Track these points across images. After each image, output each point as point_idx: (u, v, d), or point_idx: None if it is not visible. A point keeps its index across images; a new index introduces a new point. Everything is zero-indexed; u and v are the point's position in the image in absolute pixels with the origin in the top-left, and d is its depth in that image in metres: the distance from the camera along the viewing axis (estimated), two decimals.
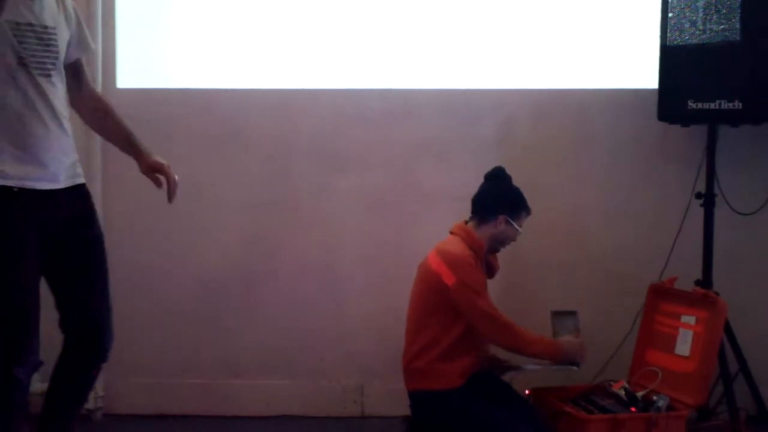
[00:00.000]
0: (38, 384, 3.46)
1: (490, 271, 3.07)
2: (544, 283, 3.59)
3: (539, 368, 3.01)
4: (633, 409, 2.97)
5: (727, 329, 3.23)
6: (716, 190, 3.34)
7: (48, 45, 2.28)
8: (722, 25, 3.14)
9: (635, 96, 3.53)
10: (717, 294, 3.19)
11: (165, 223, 3.55)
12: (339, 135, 3.59)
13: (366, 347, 3.58)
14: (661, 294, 3.33)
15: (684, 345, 3.18)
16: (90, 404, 3.44)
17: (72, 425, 2.49)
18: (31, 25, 2.24)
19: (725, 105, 3.16)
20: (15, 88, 2.20)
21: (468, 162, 3.56)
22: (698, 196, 3.35)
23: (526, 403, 2.99)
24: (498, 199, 2.97)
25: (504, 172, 3.02)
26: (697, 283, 3.30)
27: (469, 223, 2.99)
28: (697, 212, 3.36)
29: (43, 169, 2.26)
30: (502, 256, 3.10)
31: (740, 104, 3.13)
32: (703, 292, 3.18)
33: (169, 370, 3.57)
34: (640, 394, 3.02)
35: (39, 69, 2.25)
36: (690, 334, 3.18)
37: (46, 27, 2.29)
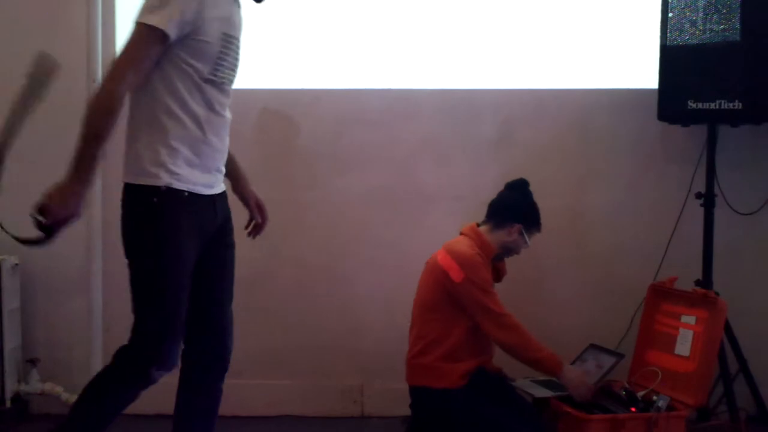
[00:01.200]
0: (38, 384, 3.48)
1: (497, 275, 3.08)
2: (544, 282, 3.59)
3: (544, 395, 3.03)
4: (633, 409, 2.97)
5: (727, 329, 3.23)
6: (716, 190, 3.34)
7: (237, 58, 2.37)
8: (722, 25, 3.14)
9: (635, 96, 3.53)
10: (717, 294, 3.20)
11: None
12: (339, 135, 3.59)
13: (366, 347, 3.58)
14: (661, 294, 3.33)
15: (684, 345, 3.18)
16: None
17: None
18: (235, 38, 2.34)
19: (725, 105, 3.16)
20: (202, 98, 2.24)
21: (468, 162, 3.57)
22: (698, 196, 3.35)
23: (527, 403, 2.99)
24: (518, 208, 3.00)
25: (528, 185, 3.05)
26: (697, 283, 3.30)
27: (482, 227, 3.00)
28: (697, 212, 3.36)
29: (209, 177, 2.30)
30: (511, 256, 3.10)
31: (740, 104, 3.13)
32: (703, 292, 3.18)
33: None
34: (640, 394, 3.02)
35: (227, 81, 2.32)
36: (690, 334, 3.18)
37: (239, 39, 2.37)
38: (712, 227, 3.33)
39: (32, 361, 3.46)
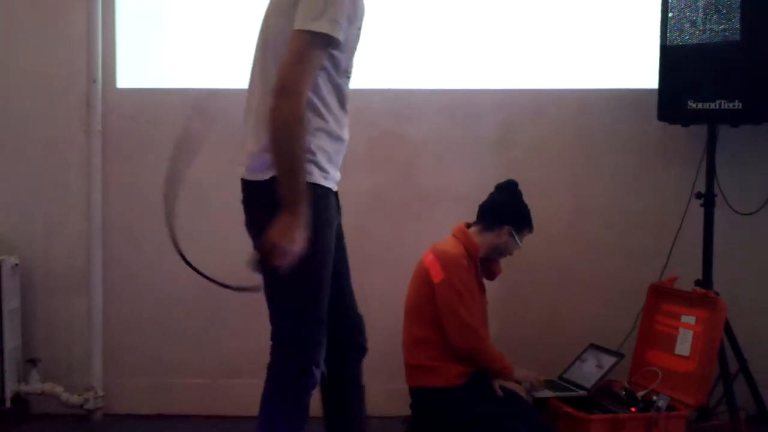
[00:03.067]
0: (38, 384, 3.48)
1: (490, 274, 3.07)
2: (544, 283, 3.59)
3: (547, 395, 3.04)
4: (633, 409, 2.97)
5: (727, 329, 3.23)
6: (716, 190, 3.34)
7: (355, 51, 2.30)
8: (722, 25, 3.14)
9: (635, 96, 3.53)
10: (717, 294, 3.20)
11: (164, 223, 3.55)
12: None
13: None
14: (661, 294, 3.33)
15: (684, 345, 3.18)
16: (90, 404, 3.45)
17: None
18: (360, 30, 2.26)
19: (725, 105, 3.15)
20: (338, 96, 2.22)
21: (468, 162, 3.57)
22: (698, 196, 3.35)
23: (526, 402, 2.99)
24: (507, 210, 3.00)
25: (517, 185, 3.05)
26: (697, 283, 3.30)
27: (472, 228, 3.01)
28: (697, 212, 3.36)
29: (338, 172, 2.28)
30: (504, 257, 3.10)
31: (740, 104, 3.13)
32: (703, 292, 3.18)
33: (169, 370, 3.57)
34: (640, 394, 3.02)
35: (350, 74, 2.28)
36: (690, 334, 3.18)
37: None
38: (712, 227, 3.33)
39: (32, 361, 3.46)
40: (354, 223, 3.61)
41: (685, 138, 3.49)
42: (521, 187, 3.07)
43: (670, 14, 3.27)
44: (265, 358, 3.57)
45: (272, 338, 2.27)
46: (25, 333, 3.50)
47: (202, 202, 3.56)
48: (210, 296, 3.58)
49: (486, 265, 3.03)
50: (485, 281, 3.05)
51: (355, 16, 2.17)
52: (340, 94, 2.22)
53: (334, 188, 2.27)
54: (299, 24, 2.06)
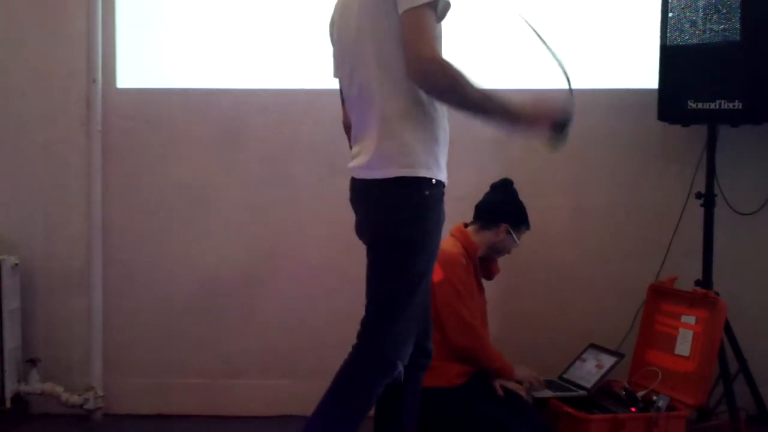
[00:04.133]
0: (38, 384, 3.48)
1: (489, 274, 3.08)
2: (544, 282, 3.59)
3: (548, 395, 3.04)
4: (633, 409, 2.97)
5: (727, 329, 3.23)
6: (716, 190, 3.34)
7: None
8: (722, 25, 3.14)
9: (635, 96, 3.53)
10: (717, 294, 3.20)
11: (165, 223, 3.56)
12: (339, 135, 3.56)
13: None
14: (661, 294, 3.33)
15: (684, 345, 3.18)
16: (90, 404, 3.45)
17: None
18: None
19: (725, 105, 3.15)
20: None
21: (468, 162, 3.56)
22: (698, 196, 3.35)
23: (527, 403, 2.99)
24: (503, 208, 3.00)
25: (512, 184, 3.05)
26: (697, 283, 3.30)
27: (470, 227, 3.01)
28: (697, 212, 3.36)
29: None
30: (502, 256, 3.10)
31: (740, 104, 3.13)
32: (703, 292, 3.18)
33: (169, 370, 3.57)
34: (640, 394, 3.03)
35: None
36: (690, 334, 3.18)
37: None
38: (712, 227, 3.33)
39: (32, 361, 3.46)
40: (353, 224, 3.63)
41: (685, 138, 3.49)
42: (521, 187, 3.07)
43: (670, 14, 3.27)
44: (265, 358, 3.60)
45: (364, 323, 2.27)
46: (25, 333, 3.50)
47: (200, 203, 3.57)
48: (210, 296, 3.60)
49: (484, 264, 3.04)
50: (484, 281, 3.05)
51: None
52: None
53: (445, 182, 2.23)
54: (407, 4, 2.03)
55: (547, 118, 2.15)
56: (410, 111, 2.14)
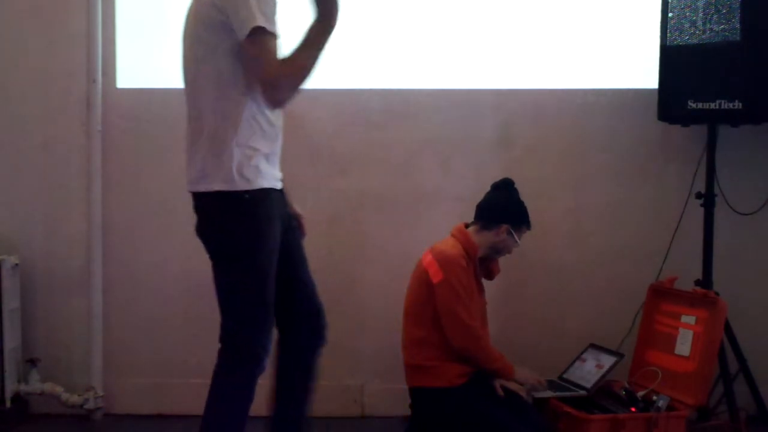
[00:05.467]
0: (38, 384, 3.48)
1: (489, 274, 3.08)
2: (544, 283, 3.59)
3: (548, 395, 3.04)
4: (633, 409, 2.97)
5: (727, 329, 3.23)
6: (716, 190, 3.34)
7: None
8: (722, 25, 3.14)
9: (635, 96, 3.53)
10: (717, 294, 3.20)
11: (164, 223, 3.55)
12: (339, 135, 3.59)
13: (366, 347, 3.58)
14: (661, 294, 3.33)
15: (684, 345, 3.18)
16: (90, 404, 3.45)
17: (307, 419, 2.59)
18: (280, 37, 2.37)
19: (725, 105, 3.15)
20: None
21: (468, 162, 3.57)
22: (698, 196, 3.35)
23: (527, 403, 2.99)
24: (504, 208, 2.99)
25: (513, 184, 3.05)
26: (697, 283, 3.30)
27: (471, 227, 3.01)
28: (697, 212, 3.36)
29: (278, 171, 2.41)
30: (503, 256, 3.10)
31: (740, 104, 3.13)
32: (703, 292, 3.18)
33: (169, 370, 3.57)
34: (640, 394, 3.03)
35: None
36: (690, 334, 3.18)
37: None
38: (712, 227, 3.33)
39: (32, 361, 3.46)
40: (353, 223, 3.64)
41: (685, 138, 3.49)
42: (521, 187, 3.06)
43: (670, 14, 3.27)
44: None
45: (221, 337, 2.43)
46: (25, 333, 3.50)
47: None
48: (210, 296, 3.57)
49: (485, 264, 3.03)
50: (484, 281, 3.05)
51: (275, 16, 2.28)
52: None
53: (277, 186, 2.37)
54: (242, 32, 2.16)
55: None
56: (233, 123, 2.25)
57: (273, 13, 2.24)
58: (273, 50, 2.18)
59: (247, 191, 2.25)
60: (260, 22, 2.14)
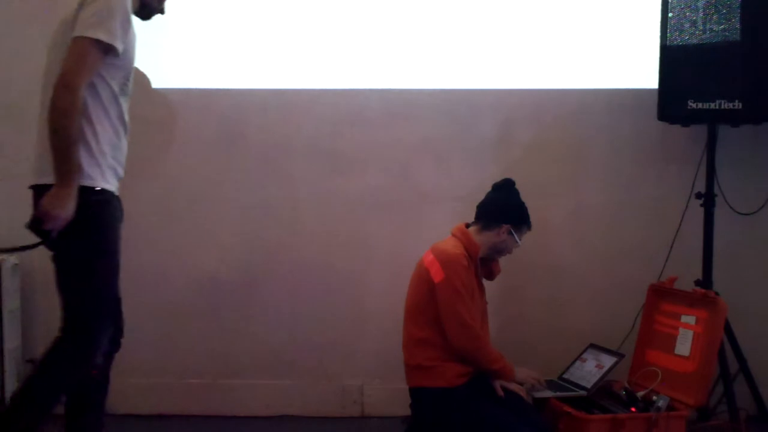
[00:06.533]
0: None
1: (490, 274, 3.07)
2: (544, 282, 3.59)
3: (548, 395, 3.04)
4: (633, 409, 2.97)
5: (727, 329, 3.23)
6: (716, 190, 3.34)
7: (131, 71, 2.58)
8: (722, 25, 3.14)
9: (635, 96, 3.53)
10: (717, 294, 3.20)
11: (165, 223, 3.56)
12: (338, 135, 3.59)
13: (366, 347, 3.58)
14: (661, 294, 3.33)
15: (684, 345, 3.18)
16: None
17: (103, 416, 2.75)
18: (131, 53, 2.55)
19: (725, 105, 3.16)
20: (117, 109, 2.51)
21: (468, 162, 3.57)
22: (698, 195, 3.35)
23: (527, 403, 2.99)
24: (505, 209, 2.99)
25: (513, 184, 3.05)
26: (697, 283, 3.30)
27: (471, 227, 3.01)
28: (697, 212, 3.36)
29: (117, 181, 2.57)
30: (503, 256, 3.10)
31: (740, 104, 3.13)
32: (703, 292, 3.18)
33: (169, 370, 3.58)
34: (640, 394, 3.02)
35: (127, 92, 2.58)
36: (690, 334, 3.18)
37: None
38: (712, 227, 3.33)
39: (32, 361, 3.45)
40: (354, 223, 3.64)
41: (685, 138, 3.49)
42: (521, 187, 3.07)
43: (670, 14, 3.27)
44: (265, 358, 3.60)
45: (62, 327, 2.54)
46: (25, 333, 3.50)
47: (201, 201, 3.57)
48: (210, 296, 3.60)
49: (485, 264, 3.03)
50: (485, 282, 3.05)
51: (131, 36, 2.47)
52: (119, 106, 2.50)
53: (116, 192, 2.55)
54: (78, 32, 2.33)
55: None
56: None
57: (123, 30, 2.40)
58: (91, 62, 2.33)
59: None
60: (100, 35, 2.31)
